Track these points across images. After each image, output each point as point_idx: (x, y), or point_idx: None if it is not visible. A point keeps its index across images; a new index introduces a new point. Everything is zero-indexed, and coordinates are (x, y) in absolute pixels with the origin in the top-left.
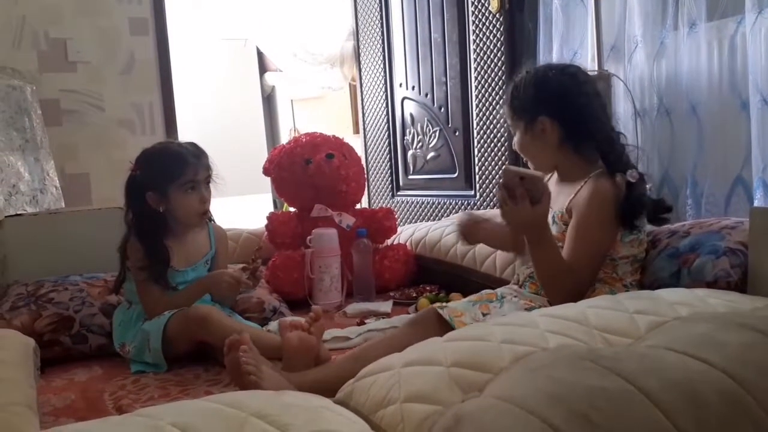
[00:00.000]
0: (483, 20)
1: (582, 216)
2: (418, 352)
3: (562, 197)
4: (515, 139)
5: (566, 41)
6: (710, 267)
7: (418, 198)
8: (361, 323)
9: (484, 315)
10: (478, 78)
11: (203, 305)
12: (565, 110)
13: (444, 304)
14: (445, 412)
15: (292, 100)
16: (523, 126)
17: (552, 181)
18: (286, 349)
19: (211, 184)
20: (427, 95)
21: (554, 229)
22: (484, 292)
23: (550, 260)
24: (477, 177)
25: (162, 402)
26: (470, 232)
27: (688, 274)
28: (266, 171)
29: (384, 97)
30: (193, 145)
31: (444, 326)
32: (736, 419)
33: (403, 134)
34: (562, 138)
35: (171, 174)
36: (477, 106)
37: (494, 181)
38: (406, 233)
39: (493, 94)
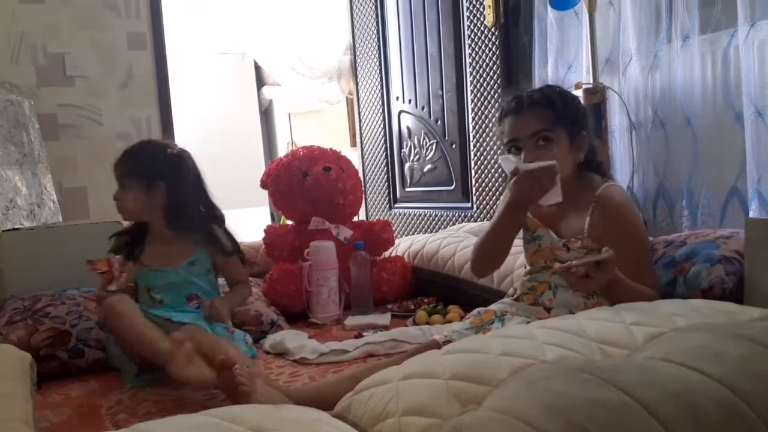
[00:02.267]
0: (478, 34)
1: (629, 231)
2: (416, 365)
3: (571, 218)
4: (543, 153)
5: (561, 55)
6: (705, 274)
7: (416, 210)
8: (359, 336)
9: None
10: (474, 91)
11: (120, 300)
12: (591, 132)
13: (448, 338)
14: (443, 425)
15: (289, 114)
16: (566, 136)
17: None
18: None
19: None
20: (423, 108)
21: (571, 255)
22: (481, 310)
23: (629, 294)
24: (474, 189)
25: (159, 417)
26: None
27: (684, 282)
28: (264, 184)
29: (381, 110)
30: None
31: None
32: (734, 430)
33: (400, 147)
34: (580, 160)
35: None
36: (473, 119)
37: (491, 192)
38: (403, 245)
39: (488, 107)
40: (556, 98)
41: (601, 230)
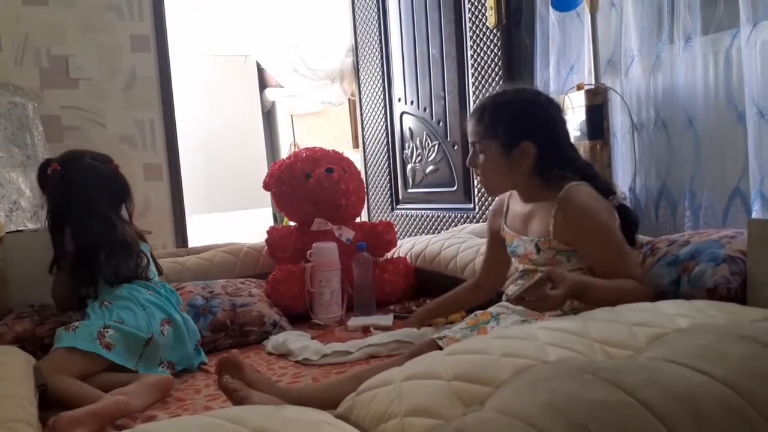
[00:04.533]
0: (480, 36)
1: (592, 230)
2: (419, 366)
3: (538, 220)
4: (478, 158)
5: (563, 56)
6: (710, 274)
7: (418, 211)
8: (367, 332)
9: None
10: (476, 92)
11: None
12: (548, 137)
13: (443, 334)
14: (446, 425)
15: (292, 116)
16: (499, 146)
17: (513, 200)
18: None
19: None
20: (425, 110)
21: (541, 257)
22: (478, 312)
23: (608, 295)
24: (476, 190)
25: (162, 418)
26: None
27: (687, 282)
28: (266, 185)
29: (383, 111)
30: None
31: None
32: (738, 431)
33: (402, 148)
34: (535, 164)
35: None
36: None
37: None
38: (405, 246)
39: None
40: (489, 107)
41: (565, 231)
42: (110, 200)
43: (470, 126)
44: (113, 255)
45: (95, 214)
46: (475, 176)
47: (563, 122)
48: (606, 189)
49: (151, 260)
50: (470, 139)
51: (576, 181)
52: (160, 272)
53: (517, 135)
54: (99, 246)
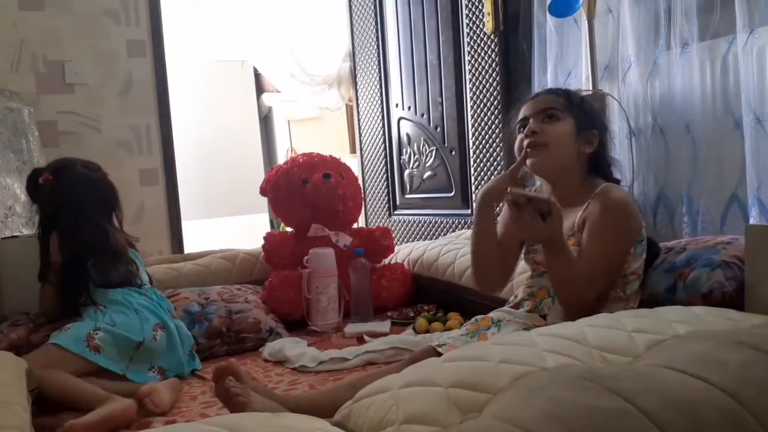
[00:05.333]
0: (478, 41)
1: (599, 228)
2: (417, 372)
3: (568, 220)
4: (548, 125)
5: (561, 62)
6: (705, 279)
7: (415, 217)
8: (361, 340)
9: None
10: (474, 98)
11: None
12: (604, 140)
13: (442, 342)
14: None
15: (289, 121)
16: (574, 122)
17: None
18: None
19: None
20: (423, 115)
21: None
22: (478, 318)
23: (566, 265)
24: (473, 196)
25: (157, 425)
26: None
27: (683, 287)
28: (263, 191)
29: (380, 117)
30: None
31: None
32: None
33: (400, 154)
34: (589, 158)
35: None
36: (473, 125)
37: None
38: (403, 252)
39: (488, 113)
40: (570, 92)
41: (589, 219)
42: (101, 208)
43: (545, 98)
44: (103, 261)
45: (86, 222)
46: (520, 150)
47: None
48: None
49: (141, 267)
50: (539, 107)
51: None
52: (150, 281)
53: (591, 122)
54: (87, 253)
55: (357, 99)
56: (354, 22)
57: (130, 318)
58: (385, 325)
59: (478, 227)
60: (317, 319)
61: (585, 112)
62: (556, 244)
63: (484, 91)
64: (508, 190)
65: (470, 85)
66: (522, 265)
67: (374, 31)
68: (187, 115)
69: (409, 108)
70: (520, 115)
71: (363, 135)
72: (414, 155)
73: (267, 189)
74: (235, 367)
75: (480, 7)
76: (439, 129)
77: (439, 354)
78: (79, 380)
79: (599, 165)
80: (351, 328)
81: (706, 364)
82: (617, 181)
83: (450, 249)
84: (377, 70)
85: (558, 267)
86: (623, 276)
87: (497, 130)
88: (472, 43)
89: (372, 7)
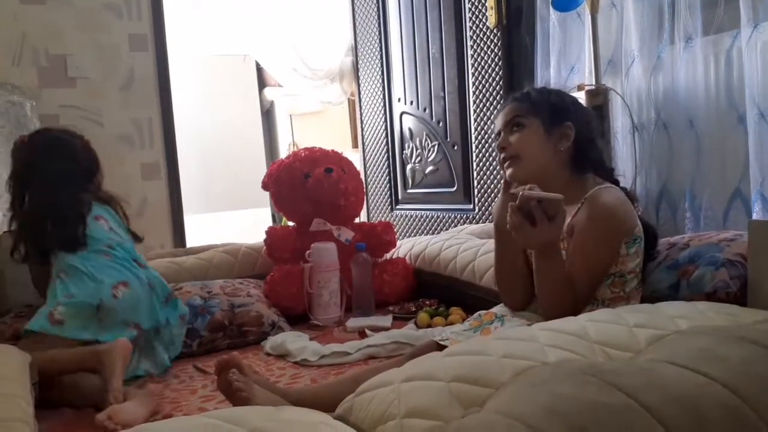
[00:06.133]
0: (481, 36)
1: (585, 232)
2: (418, 367)
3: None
4: (515, 136)
5: (564, 56)
6: (709, 278)
7: (417, 212)
8: (363, 335)
9: None
10: (476, 92)
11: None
12: (586, 130)
13: (445, 337)
14: (445, 427)
15: (291, 115)
16: (541, 123)
17: None
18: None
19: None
20: (425, 110)
21: None
22: (481, 313)
23: (556, 270)
24: (475, 191)
25: (157, 419)
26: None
27: (687, 286)
28: (265, 185)
29: (383, 111)
30: None
31: None
32: None
33: (402, 148)
34: (571, 155)
35: None
36: (475, 120)
37: (492, 194)
38: (405, 247)
39: (491, 108)
40: (533, 92)
41: (578, 225)
42: (76, 172)
43: (509, 107)
44: (65, 222)
45: (56, 183)
46: (501, 164)
47: (599, 129)
48: (631, 196)
49: (114, 223)
50: (506, 119)
51: (608, 185)
52: (137, 238)
53: (561, 116)
54: (48, 214)
55: (359, 93)
56: (356, 16)
57: (86, 283)
58: (386, 320)
59: (497, 252)
60: (319, 314)
61: (553, 108)
62: (552, 248)
63: (486, 86)
64: (519, 193)
65: (473, 80)
66: None
67: (376, 25)
68: (189, 110)
69: (412, 102)
70: (495, 130)
71: (365, 129)
72: (416, 150)
73: (269, 183)
74: (238, 361)
75: (483, 1)
76: (441, 124)
77: (443, 348)
78: (54, 350)
79: (584, 157)
80: (353, 323)
81: (708, 359)
82: (610, 172)
83: (452, 244)
84: (379, 65)
85: (548, 273)
86: (621, 276)
87: (506, 103)
88: (474, 38)
89: (374, 1)
